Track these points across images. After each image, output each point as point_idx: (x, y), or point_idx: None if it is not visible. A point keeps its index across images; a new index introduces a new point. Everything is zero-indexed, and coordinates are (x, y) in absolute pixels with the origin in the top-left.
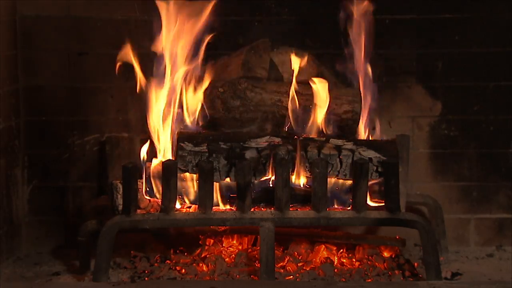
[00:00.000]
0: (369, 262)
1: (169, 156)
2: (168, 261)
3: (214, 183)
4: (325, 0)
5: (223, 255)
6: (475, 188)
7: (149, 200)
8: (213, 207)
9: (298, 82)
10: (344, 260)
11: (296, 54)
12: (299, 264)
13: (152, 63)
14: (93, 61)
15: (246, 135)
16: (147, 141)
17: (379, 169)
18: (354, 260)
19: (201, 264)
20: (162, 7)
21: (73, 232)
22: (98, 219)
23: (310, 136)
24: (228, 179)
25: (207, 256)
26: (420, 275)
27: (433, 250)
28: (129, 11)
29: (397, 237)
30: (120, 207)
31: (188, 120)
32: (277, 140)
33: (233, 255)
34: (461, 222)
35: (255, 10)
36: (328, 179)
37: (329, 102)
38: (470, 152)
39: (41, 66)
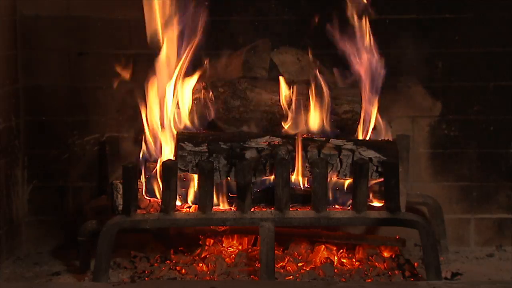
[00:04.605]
0: (369, 262)
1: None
2: (168, 261)
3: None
4: (325, 0)
5: (223, 255)
6: (475, 188)
7: (149, 200)
8: (213, 207)
9: (297, 82)
10: (344, 260)
11: (296, 54)
12: (299, 264)
13: (151, 63)
14: (93, 61)
15: (246, 135)
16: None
17: (379, 169)
18: (354, 260)
19: (201, 264)
20: (157, 7)
21: (73, 232)
22: (98, 219)
23: (310, 136)
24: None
25: (207, 256)
26: (420, 275)
27: (433, 250)
28: (129, 11)
29: (397, 237)
30: (120, 207)
31: (186, 121)
32: (277, 140)
33: (233, 255)
34: (461, 222)
35: (255, 10)
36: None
37: (329, 102)
38: (470, 152)
39: (41, 66)
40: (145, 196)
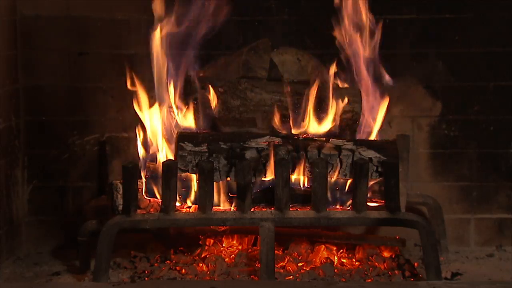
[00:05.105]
0: (369, 262)
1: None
2: (168, 261)
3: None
4: (325, 0)
5: (223, 255)
6: (475, 188)
7: (149, 200)
8: (213, 207)
9: (297, 82)
10: (344, 260)
11: (296, 54)
12: (299, 264)
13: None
14: (93, 61)
15: (246, 135)
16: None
17: (379, 169)
18: (354, 260)
19: (201, 264)
20: (157, 7)
21: (73, 232)
22: (98, 219)
23: (310, 136)
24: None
25: (207, 256)
26: (420, 275)
27: (433, 250)
28: (129, 11)
29: (397, 237)
30: (120, 207)
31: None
32: (277, 140)
33: (233, 255)
34: (461, 222)
35: (255, 10)
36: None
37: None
38: (470, 152)
39: (41, 66)
40: (145, 196)
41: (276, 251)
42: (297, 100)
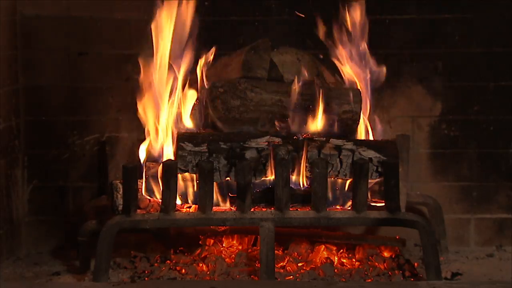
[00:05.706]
0: (369, 262)
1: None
2: (168, 261)
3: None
4: (325, 0)
5: (223, 255)
6: (475, 188)
7: (149, 200)
8: (213, 207)
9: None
10: (344, 260)
11: (296, 54)
12: (299, 264)
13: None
14: (93, 61)
15: (246, 135)
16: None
17: (379, 169)
18: (354, 260)
19: (201, 264)
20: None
21: (73, 232)
22: (98, 219)
23: (310, 136)
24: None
25: (207, 256)
26: (420, 275)
27: (433, 250)
28: (129, 11)
29: (397, 237)
30: (120, 207)
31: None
32: (277, 140)
33: (233, 255)
34: (461, 222)
35: (255, 10)
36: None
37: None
38: (470, 152)
39: (41, 66)
40: (145, 196)
41: (276, 251)
42: (297, 100)
